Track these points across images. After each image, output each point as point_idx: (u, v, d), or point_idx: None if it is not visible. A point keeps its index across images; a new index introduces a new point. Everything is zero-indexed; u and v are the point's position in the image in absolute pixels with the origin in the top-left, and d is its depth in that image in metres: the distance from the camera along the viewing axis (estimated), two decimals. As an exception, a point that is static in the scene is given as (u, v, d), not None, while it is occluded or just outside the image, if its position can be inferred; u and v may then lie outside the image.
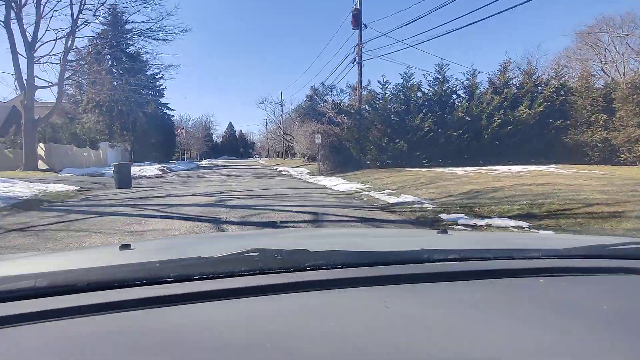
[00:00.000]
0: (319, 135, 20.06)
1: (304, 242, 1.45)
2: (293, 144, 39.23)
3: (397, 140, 18.25)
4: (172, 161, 42.17)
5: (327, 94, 44.83)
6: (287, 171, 25.18)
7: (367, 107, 20.84)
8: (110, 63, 31.04)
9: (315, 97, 43.73)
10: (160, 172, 24.36)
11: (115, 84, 29.28)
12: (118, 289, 0.77)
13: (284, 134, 39.71)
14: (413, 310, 0.74)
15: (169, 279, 0.80)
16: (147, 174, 22.05)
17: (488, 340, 0.63)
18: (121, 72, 30.55)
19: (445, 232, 1.60)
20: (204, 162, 51.36)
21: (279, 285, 0.81)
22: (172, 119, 45.17)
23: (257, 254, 0.90)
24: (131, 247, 1.18)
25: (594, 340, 0.64)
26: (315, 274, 0.86)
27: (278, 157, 75.46)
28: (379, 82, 19.83)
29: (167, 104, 42.15)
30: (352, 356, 0.58)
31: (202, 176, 19.82)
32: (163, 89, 41.14)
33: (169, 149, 41.06)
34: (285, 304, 0.75)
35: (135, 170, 23.67)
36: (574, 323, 0.69)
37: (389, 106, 19.42)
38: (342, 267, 0.90)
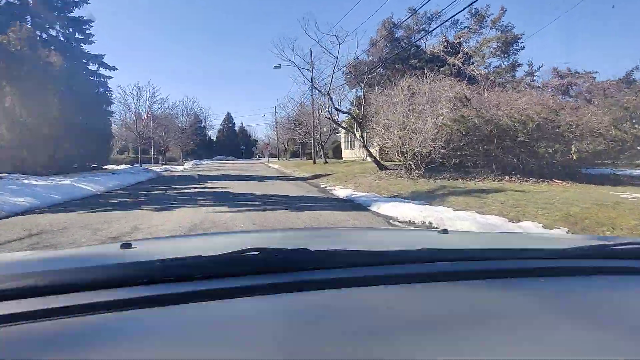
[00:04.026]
0: None
1: (306, 241, 1.42)
2: (351, 132, 19.25)
3: None
4: (106, 167, 22.35)
5: (421, 33, 24.05)
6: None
7: None
8: None
9: (400, 34, 21.12)
10: None
11: None
12: (119, 288, 0.76)
13: (336, 110, 18.83)
14: (414, 311, 0.74)
15: (170, 278, 0.80)
16: None
17: (489, 340, 0.63)
18: None
19: (446, 231, 1.54)
20: (183, 167, 31.37)
21: (280, 284, 0.80)
22: (110, 82, 24.53)
23: (258, 253, 0.89)
24: (132, 246, 1.15)
25: (595, 340, 0.64)
26: (315, 273, 0.86)
27: (292, 156, 56.20)
28: None
29: (102, 56, 22.10)
30: (353, 357, 0.57)
31: None
32: (87, 23, 21.05)
33: (95, 143, 20.61)
34: (286, 304, 0.75)
35: None
36: (575, 323, 0.70)
37: None
38: (343, 267, 0.89)
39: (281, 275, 0.84)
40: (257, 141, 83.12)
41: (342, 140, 34.81)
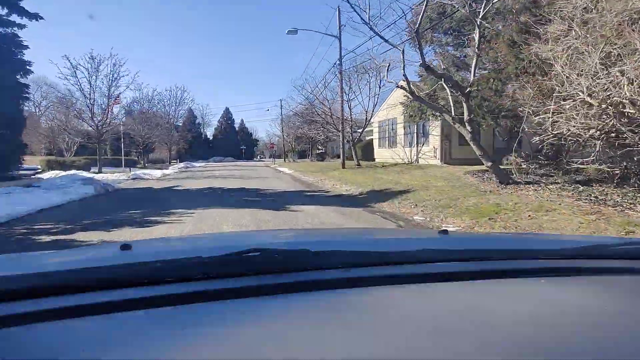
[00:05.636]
0: None
1: (305, 242, 1.42)
2: (445, 111, 11.09)
3: None
4: (41, 175, 14.32)
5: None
6: None
7: None
8: None
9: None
10: None
11: None
12: (119, 289, 0.76)
13: (426, 70, 9.95)
14: (413, 311, 0.73)
15: (170, 279, 0.79)
16: None
17: (489, 340, 0.62)
18: None
19: (445, 232, 1.52)
20: (162, 173, 23.25)
21: (279, 285, 0.80)
22: (26, 41, 15.28)
23: (257, 254, 0.88)
24: (132, 247, 1.13)
25: (595, 340, 0.64)
26: (315, 274, 0.86)
27: (299, 157, 48.18)
28: None
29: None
30: (353, 356, 0.57)
31: None
32: None
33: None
34: (286, 304, 0.75)
35: None
36: (575, 323, 0.69)
37: None
38: (342, 268, 0.89)
39: (282, 275, 0.84)
40: (258, 140, 75.02)
41: (375, 136, 26.55)
